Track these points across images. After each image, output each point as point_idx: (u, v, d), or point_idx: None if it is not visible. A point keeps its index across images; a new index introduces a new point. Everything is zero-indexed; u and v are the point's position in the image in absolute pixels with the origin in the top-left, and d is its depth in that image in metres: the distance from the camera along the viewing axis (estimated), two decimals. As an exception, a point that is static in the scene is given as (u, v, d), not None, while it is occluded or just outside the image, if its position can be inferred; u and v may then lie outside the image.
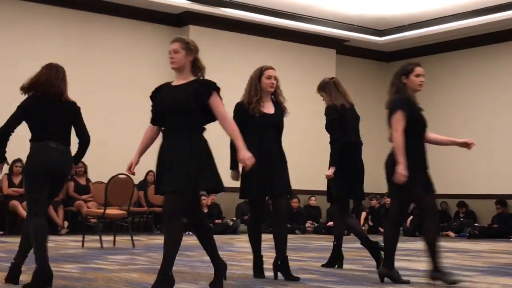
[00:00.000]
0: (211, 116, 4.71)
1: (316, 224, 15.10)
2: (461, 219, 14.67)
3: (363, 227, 15.23)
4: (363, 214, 15.47)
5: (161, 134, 4.84)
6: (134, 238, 9.47)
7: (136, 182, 11.67)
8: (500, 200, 14.37)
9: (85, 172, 12.76)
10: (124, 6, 13.86)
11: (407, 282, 5.46)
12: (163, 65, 14.65)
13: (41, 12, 13.21)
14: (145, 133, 4.95)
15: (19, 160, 11.60)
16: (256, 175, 5.50)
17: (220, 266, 4.84)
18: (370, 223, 15.48)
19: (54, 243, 9.78)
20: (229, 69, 14.76)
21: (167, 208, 4.49)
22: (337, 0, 14.16)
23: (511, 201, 14.41)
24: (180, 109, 4.54)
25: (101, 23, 13.83)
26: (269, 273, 5.78)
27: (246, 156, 4.58)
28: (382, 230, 15.18)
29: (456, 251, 9.70)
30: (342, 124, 6.67)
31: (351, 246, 10.48)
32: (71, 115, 5.23)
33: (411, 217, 14.99)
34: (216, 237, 13.37)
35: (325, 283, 5.44)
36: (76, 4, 13.49)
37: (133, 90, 13.96)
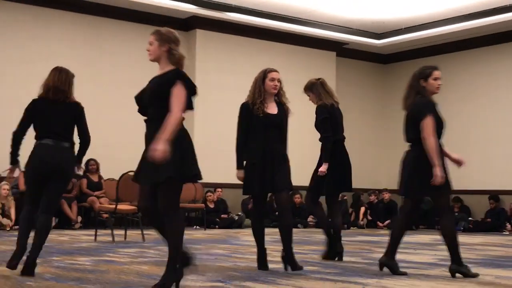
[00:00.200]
0: (188, 105, 4.48)
1: (316, 219, 15.07)
2: (456, 214, 14.65)
3: (362, 221, 15.24)
4: (362, 208, 15.46)
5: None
6: (144, 232, 9.48)
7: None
8: (493, 195, 14.36)
9: (98, 169, 12.80)
10: (132, 11, 13.87)
11: (405, 274, 5.46)
12: (171, 68, 14.70)
13: (52, 16, 13.22)
14: None
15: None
16: (258, 173, 5.55)
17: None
18: (369, 218, 15.46)
19: (68, 237, 9.81)
20: (234, 71, 14.77)
21: (164, 201, 4.42)
22: (337, 5, 14.16)
23: (503, 196, 14.40)
24: (153, 98, 4.42)
25: (110, 27, 13.83)
26: (272, 265, 5.79)
27: (155, 147, 4.16)
28: (380, 224, 15.21)
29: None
30: (332, 123, 6.70)
31: (351, 239, 10.48)
32: (73, 115, 5.27)
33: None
34: (222, 231, 13.50)
35: (326, 274, 5.44)
36: (86, 8, 13.49)
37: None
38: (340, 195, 15.05)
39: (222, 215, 13.87)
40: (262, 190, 5.65)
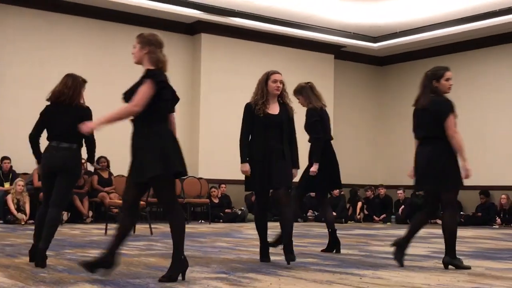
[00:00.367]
0: (159, 104, 4.41)
1: (316, 213, 15.07)
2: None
3: (359, 216, 15.24)
4: (359, 203, 15.45)
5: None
6: (152, 226, 9.49)
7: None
8: (484, 190, 14.35)
9: (108, 166, 12.81)
10: (140, 16, 13.87)
11: (401, 266, 5.45)
12: (177, 71, 14.68)
13: (66, 22, 13.24)
14: None
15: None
16: (258, 170, 5.54)
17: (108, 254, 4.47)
18: (365, 212, 15.46)
19: (80, 230, 9.82)
20: (237, 72, 14.78)
21: (160, 200, 4.47)
22: (335, 10, 14.16)
23: (493, 192, 14.39)
24: (130, 98, 4.41)
25: (120, 31, 13.84)
26: (274, 258, 5.79)
27: (87, 124, 4.44)
28: (376, 218, 15.21)
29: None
30: (322, 125, 6.72)
31: (349, 233, 10.49)
32: (79, 118, 5.24)
33: (403, 206, 14.98)
34: (226, 225, 13.49)
35: (324, 266, 5.44)
36: (98, 14, 13.51)
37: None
38: (337, 191, 15.16)
39: (226, 210, 13.88)
40: (261, 187, 5.64)
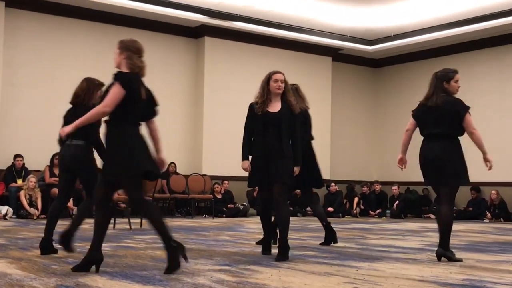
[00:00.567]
0: (129, 106, 4.35)
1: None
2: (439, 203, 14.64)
3: (355, 211, 15.23)
4: (355, 199, 15.45)
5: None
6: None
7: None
8: (475, 186, 14.34)
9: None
10: (147, 20, 13.89)
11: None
12: (181, 72, 14.69)
13: (75, 26, 13.24)
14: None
15: (59, 153, 11.67)
16: (257, 167, 5.49)
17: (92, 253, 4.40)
18: (362, 207, 15.46)
19: (89, 224, 9.77)
20: (239, 74, 14.78)
21: (128, 198, 4.51)
22: (332, 14, 14.15)
23: (484, 188, 14.38)
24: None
25: (128, 35, 13.77)
26: (275, 250, 5.78)
27: (63, 129, 4.53)
28: (372, 213, 15.21)
29: (437, 231, 9.65)
30: (305, 126, 6.67)
31: (346, 227, 10.48)
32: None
33: (397, 201, 14.98)
34: (228, 219, 13.48)
35: (323, 259, 5.44)
36: (105, 18, 13.50)
37: (156, 94, 13.96)
38: (334, 186, 15.16)
39: (229, 205, 13.88)
40: (260, 183, 5.60)
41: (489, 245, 7.28)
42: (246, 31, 14.70)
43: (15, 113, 12.47)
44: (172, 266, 4.30)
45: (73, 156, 5.37)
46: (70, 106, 5.63)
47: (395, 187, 15.30)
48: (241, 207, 13.87)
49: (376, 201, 15.49)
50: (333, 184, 15.28)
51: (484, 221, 13.68)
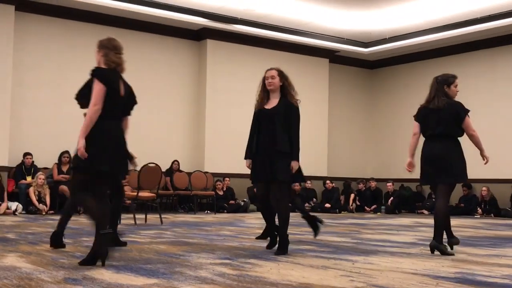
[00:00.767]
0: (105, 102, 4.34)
1: (312, 204, 15.08)
2: (433, 199, 14.62)
3: (351, 206, 15.23)
4: (352, 195, 15.44)
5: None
6: (162, 216, 9.50)
7: (163, 169, 11.67)
8: (466, 183, 14.34)
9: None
10: (151, 23, 13.87)
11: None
12: (185, 73, 14.68)
13: (81, 29, 13.23)
14: None
15: (66, 151, 11.70)
16: (253, 164, 5.43)
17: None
18: (358, 203, 15.46)
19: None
20: (240, 75, 14.77)
21: (91, 190, 4.54)
22: (330, 18, 14.14)
23: (475, 184, 14.37)
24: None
25: (132, 38, 13.84)
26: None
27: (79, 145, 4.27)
28: (367, 208, 15.21)
29: (429, 226, 9.67)
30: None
31: (342, 222, 10.48)
32: None
33: (392, 197, 14.98)
34: (229, 215, 13.48)
35: (320, 252, 5.44)
36: (111, 21, 13.49)
37: (160, 94, 14.01)
38: (329, 183, 15.15)
39: (230, 201, 13.88)
40: (257, 179, 5.47)
41: (480, 240, 7.28)
42: (247, 34, 14.69)
43: (24, 113, 12.47)
44: (96, 252, 4.26)
45: None
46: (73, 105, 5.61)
47: (389, 184, 15.30)
48: (242, 203, 13.87)
49: (372, 197, 15.49)
50: (328, 181, 15.29)
51: (475, 216, 13.69)
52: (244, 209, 13.73)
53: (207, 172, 14.04)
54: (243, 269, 4.26)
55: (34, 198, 11.22)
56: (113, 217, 5.57)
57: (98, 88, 4.30)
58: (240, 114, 13.89)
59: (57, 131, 12.35)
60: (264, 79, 5.52)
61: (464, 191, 14.45)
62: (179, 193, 13.43)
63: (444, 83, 5.66)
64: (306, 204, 14.96)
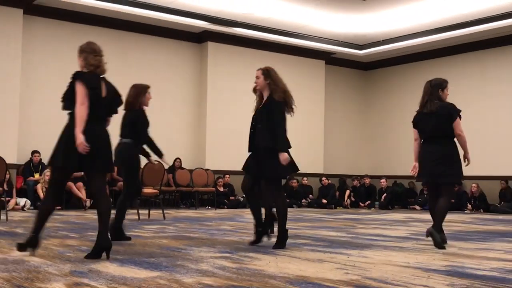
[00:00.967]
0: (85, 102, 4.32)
1: (309, 200, 15.08)
2: (425, 195, 14.65)
3: (346, 202, 15.24)
4: (347, 191, 15.44)
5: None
6: (165, 211, 9.49)
7: (166, 167, 11.67)
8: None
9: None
10: (154, 26, 13.85)
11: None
12: (186, 74, 14.67)
13: (87, 32, 13.19)
14: None
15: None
16: (249, 158, 5.36)
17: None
18: (353, 199, 15.46)
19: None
20: (240, 76, 14.75)
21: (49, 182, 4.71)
22: (326, 21, 14.14)
23: (465, 181, 14.30)
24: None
25: (136, 40, 13.84)
26: (273, 239, 5.77)
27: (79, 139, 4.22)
28: (362, 204, 15.21)
29: (421, 221, 9.68)
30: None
31: (338, 217, 10.48)
32: (131, 119, 5.91)
33: (385, 194, 14.98)
34: (230, 210, 13.46)
35: (316, 246, 5.44)
36: (116, 25, 13.48)
37: (163, 94, 13.99)
38: (325, 180, 15.13)
39: (230, 197, 13.88)
40: (247, 171, 5.37)
41: (470, 234, 7.29)
42: (246, 36, 14.68)
43: (32, 112, 12.47)
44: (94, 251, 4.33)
45: (119, 152, 5.65)
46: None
47: (383, 181, 15.30)
48: (241, 199, 13.87)
49: (366, 193, 15.48)
50: (324, 178, 15.30)
51: (465, 212, 13.69)
52: (243, 205, 13.72)
53: (208, 170, 14.04)
54: (242, 263, 4.25)
55: (41, 195, 11.20)
56: (121, 208, 5.87)
57: (80, 89, 4.33)
58: (240, 114, 13.88)
59: (63, 130, 12.33)
60: None
61: (455, 187, 14.44)
62: (181, 190, 13.43)
63: (438, 87, 5.78)
64: (303, 200, 14.97)
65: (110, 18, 13.32)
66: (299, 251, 5.03)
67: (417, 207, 14.65)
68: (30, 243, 4.39)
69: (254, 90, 5.45)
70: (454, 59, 15.51)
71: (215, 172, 14.14)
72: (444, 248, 5.40)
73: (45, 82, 12.61)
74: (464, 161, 5.79)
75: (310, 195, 15.31)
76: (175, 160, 13.57)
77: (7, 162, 8.60)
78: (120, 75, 13.58)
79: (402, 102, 16.25)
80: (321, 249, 5.24)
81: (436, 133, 5.67)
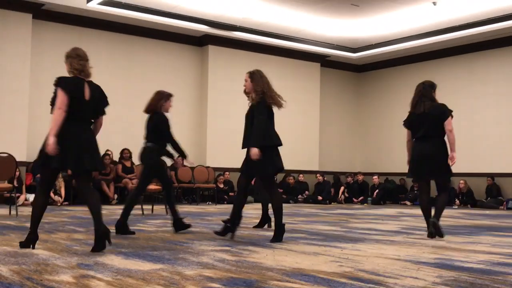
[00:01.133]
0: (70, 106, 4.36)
1: (305, 196, 15.09)
2: (415, 191, 14.67)
3: (340, 198, 15.25)
4: (341, 188, 15.45)
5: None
6: (168, 206, 9.47)
7: (169, 164, 11.66)
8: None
9: (130, 157, 12.75)
10: (157, 30, 13.83)
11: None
12: (188, 77, 14.66)
13: (93, 35, 13.20)
14: None
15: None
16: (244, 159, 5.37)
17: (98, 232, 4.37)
18: (346, 195, 15.47)
19: (106, 211, 9.80)
20: (239, 78, 14.63)
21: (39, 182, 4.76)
22: (321, 25, 14.14)
23: (453, 178, 14.29)
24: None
25: (140, 44, 13.81)
26: (270, 233, 5.78)
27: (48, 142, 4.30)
28: (355, 200, 15.22)
29: (411, 216, 9.70)
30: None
31: (332, 212, 10.49)
32: (154, 123, 6.02)
33: (377, 190, 14.99)
34: (229, 206, 13.45)
35: (311, 240, 5.44)
36: (121, 29, 13.46)
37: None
38: (319, 177, 15.15)
39: (230, 193, 13.88)
40: (241, 172, 5.40)
41: (457, 228, 7.31)
42: (245, 40, 14.68)
43: (40, 112, 12.44)
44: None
45: (141, 154, 5.96)
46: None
47: (375, 177, 15.32)
48: (241, 195, 13.85)
49: (359, 189, 15.50)
50: (318, 174, 15.30)
51: (454, 207, 13.71)
52: (242, 201, 13.71)
53: (208, 167, 14.03)
54: (241, 256, 4.26)
55: (50, 191, 11.19)
56: (170, 204, 6.11)
57: (61, 95, 4.37)
58: (239, 114, 13.79)
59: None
60: None
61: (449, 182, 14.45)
62: (183, 186, 13.42)
63: (431, 88, 5.88)
64: (300, 196, 14.97)
65: (115, 23, 13.29)
66: (295, 245, 5.03)
67: (408, 203, 14.66)
68: (30, 240, 4.45)
69: (245, 92, 5.44)
70: (443, 62, 15.52)
71: (216, 169, 14.14)
72: (434, 236, 5.61)
73: (52, 84, 12.58)
74: (451, 159, 5.75)
75: (306, 191, 15.31)
76: (177, 158, 13.55)
77: (17, 159, 8.60)
78: (125, 80, 13.71)
79: (393, 102, 16.27)
80: (316, 242, 5.25)
81: (428, 132, 5.71)
